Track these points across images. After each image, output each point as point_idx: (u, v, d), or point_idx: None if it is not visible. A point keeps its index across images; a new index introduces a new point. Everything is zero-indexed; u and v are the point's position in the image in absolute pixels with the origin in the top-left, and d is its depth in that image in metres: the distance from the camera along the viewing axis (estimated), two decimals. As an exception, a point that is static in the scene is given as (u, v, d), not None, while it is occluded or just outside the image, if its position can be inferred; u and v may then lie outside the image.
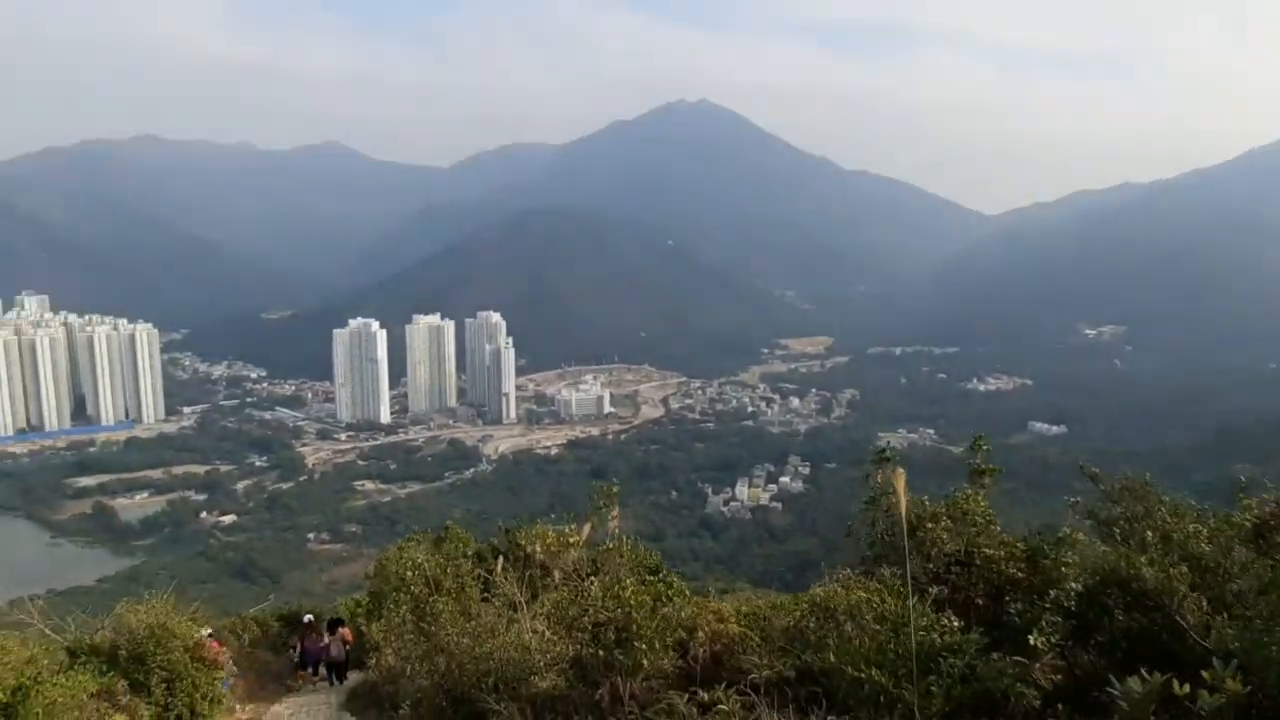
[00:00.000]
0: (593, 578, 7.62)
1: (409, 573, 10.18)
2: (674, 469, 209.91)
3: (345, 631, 22.71)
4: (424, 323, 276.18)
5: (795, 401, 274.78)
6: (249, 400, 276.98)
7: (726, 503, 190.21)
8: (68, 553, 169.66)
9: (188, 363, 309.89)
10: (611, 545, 8.17)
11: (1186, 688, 4.22)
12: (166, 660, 13.33)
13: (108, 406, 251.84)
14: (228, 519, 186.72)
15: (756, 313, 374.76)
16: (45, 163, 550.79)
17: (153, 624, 13.68)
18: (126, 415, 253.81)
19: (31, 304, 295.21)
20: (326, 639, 22.97)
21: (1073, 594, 6.28)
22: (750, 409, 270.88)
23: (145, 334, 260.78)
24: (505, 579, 9.64)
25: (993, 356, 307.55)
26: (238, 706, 18.04)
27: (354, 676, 22.45)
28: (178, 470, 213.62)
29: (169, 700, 13.18)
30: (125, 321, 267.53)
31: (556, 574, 9.55)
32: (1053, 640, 5.91)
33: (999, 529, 7.44)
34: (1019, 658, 5.49)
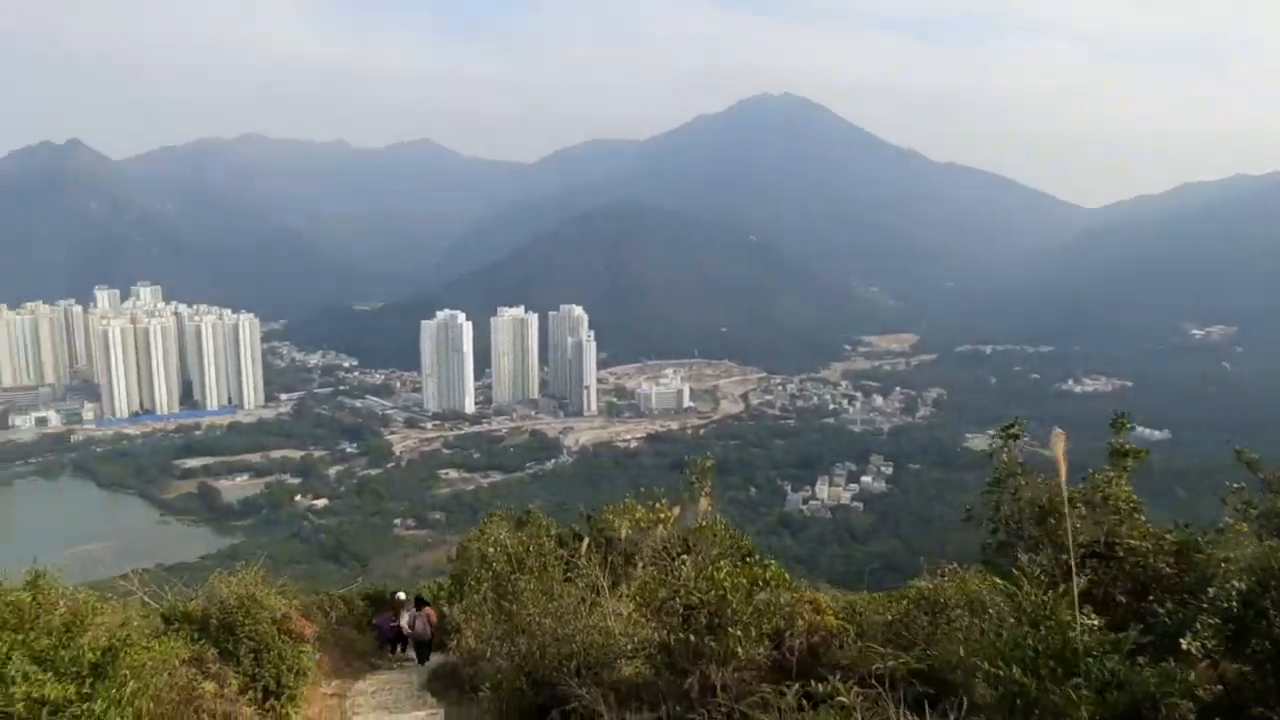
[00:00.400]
0: (684, 557, 7.13)
1: (491, 549, 9.92)
2: (753, 465, 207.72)
3: (430, 611, 22.96)
4: (508, 315, 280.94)
5: (878, 400, 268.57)
6: (341, 389, 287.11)
7: (806, 501, 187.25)
8: (174, 530, 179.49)
9: (285, 352, 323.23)
10: (704, 524, 7.65)
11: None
12: (255, 631, 13.50)
13: (212, 392, 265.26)
14: (320, 503, 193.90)
15: (839, 309, 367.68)
16: (159, 161, 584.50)
17: (242, 594, 13.91)
18: (229, 401, 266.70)
19: (145, 294, 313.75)
20: (407, 615, 23.29)
21: (1235, 594, 5.47)
22: (832, 406, 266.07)
23: (247, 324, 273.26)
24: (589, 560, 9.35)
25: (1090, 356, 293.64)
26: (323, 681, 18.30)
27: (436, 658, 22.66)
28: (275, 454, 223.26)
29: (256, 671, 13.33)
30: (229, 312, 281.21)
31: (641, 558, 9.12)
32: (1208, 646, 5.15)
33: (1144, 518, 6.60)
34: (1171, 664, 4.77)
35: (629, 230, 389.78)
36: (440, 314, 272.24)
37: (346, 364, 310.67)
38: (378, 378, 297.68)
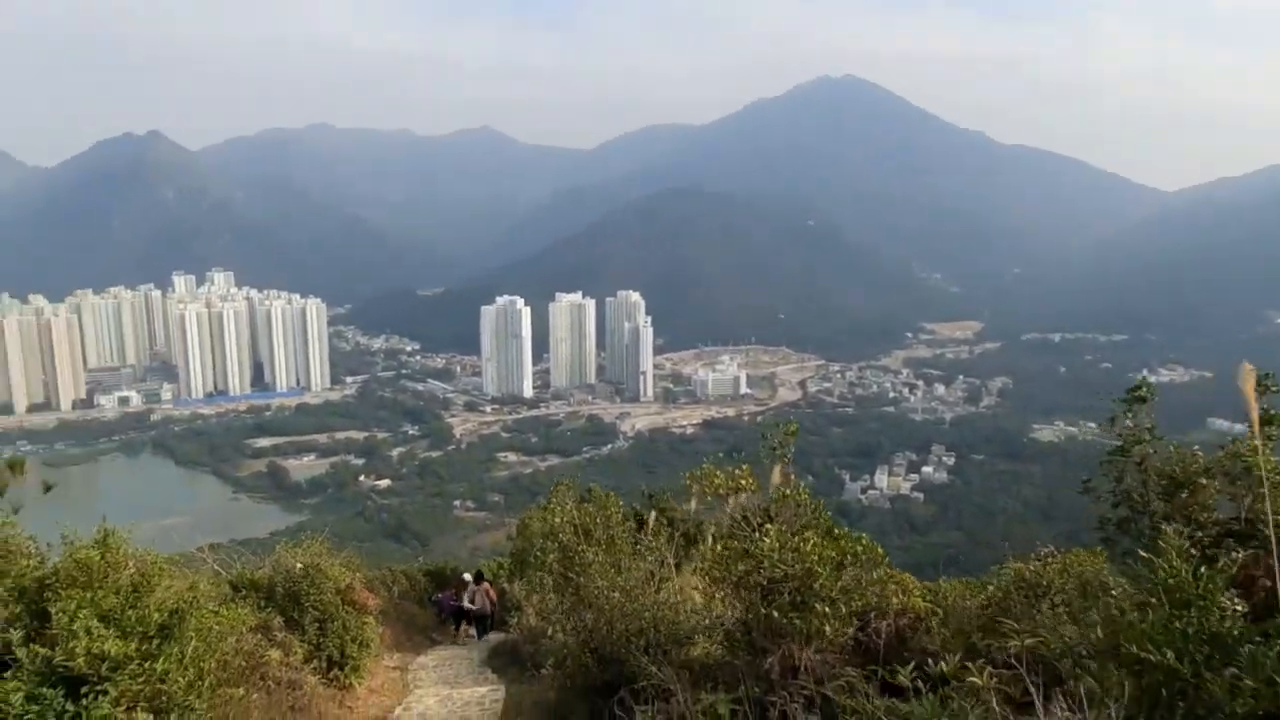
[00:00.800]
0: (768, 527, 6.70)
1: (557, 519, 9.68)
2: (810, 453, 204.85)
3: (488, 586, 23.09)
4: (566, 301, 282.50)
5: (941, 388, 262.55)
6: (404, 372, 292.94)
7: (864, 490, 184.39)
8: (246, 506, 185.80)
9: (350, 335, 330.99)
10: (788, 492, 7.19)
11: None
12: (319, 601, 13.57)
13: (281, 374, 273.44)
14: (383, 483, 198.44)
15: (900, 295, 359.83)
16: (231, 151, 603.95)
17: (307, 564, 13.99)
18: (297, 383, 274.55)
19: (219, 280, 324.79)
20: (471, 589, 23.47)
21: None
22: (892, 394, 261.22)
23: (314, 308, 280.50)
24: (657, 535, 9.00)
25: (1166, 346, 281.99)
26: (384, 654, 18.44)
27: (495, 636, 22.76)
28: (340, 435, 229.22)
29: (321, 640, 13.41)
30: (297, 296, 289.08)
31: (710, 535, 8.73)
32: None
33: (1289, 494, 5.89)
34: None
35: (687, 216, 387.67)
36: (499, 299, 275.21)
37: (409, 348, 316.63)
38: (439, 361, 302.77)
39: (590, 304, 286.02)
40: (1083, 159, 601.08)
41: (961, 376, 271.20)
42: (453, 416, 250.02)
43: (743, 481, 7.21)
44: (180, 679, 6.07)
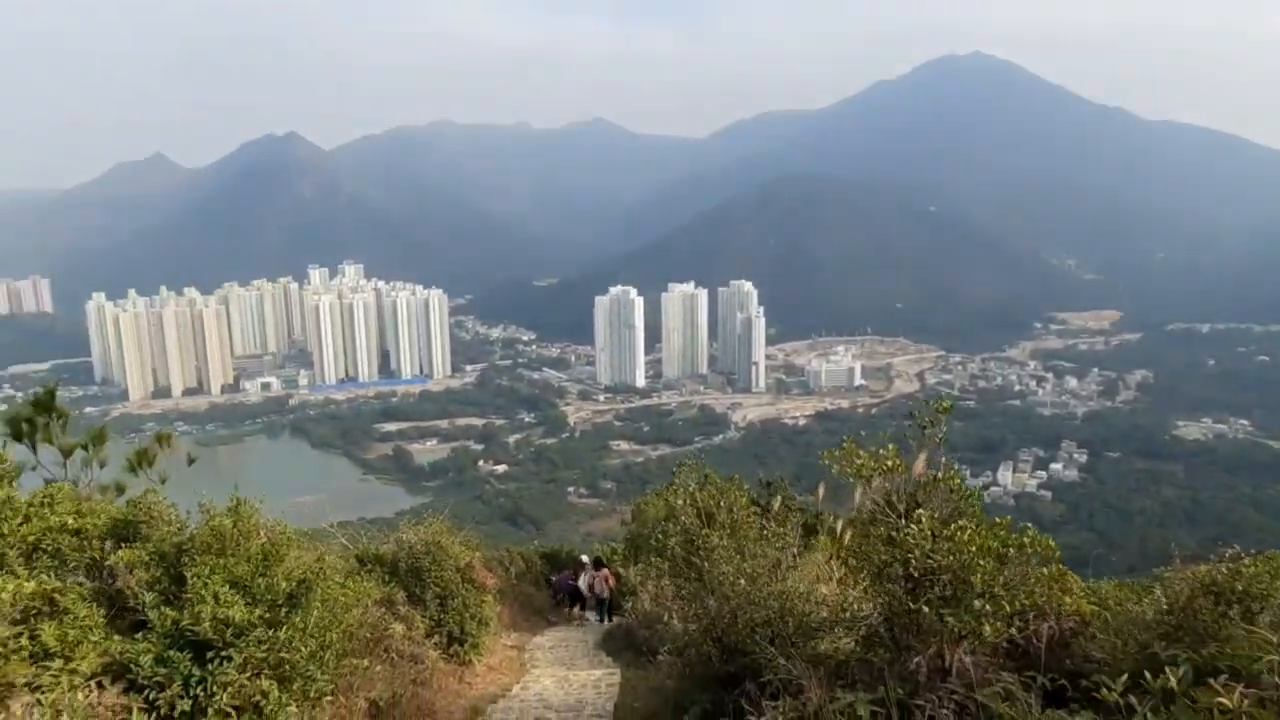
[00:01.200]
0: (919, 511, 6.11)
1: (680, 501, 9.34)
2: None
3: (607, 573, 23.17)
4: (678, 291, 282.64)
5: (1072, 381, 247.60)
6: (520, 361, 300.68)
7: (987, 487, 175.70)
8: (373, 488, 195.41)
9: (470, 325, 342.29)
10: (939, 475, 6.56)
11: None
12: (440, 577, 13.81)
13: (406, 362, 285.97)
14: (500, 468, 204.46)
15: (1029, 283, 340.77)
16: (362, 148, 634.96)
17: (429, 541, 14.25)
18: (421, 370, 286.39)
19: (350, 272, 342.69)
20: (586, 577, 23.62)
21: None
22: (1018, 387, 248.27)
23: (437, 299, 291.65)
24: (783, 521, 8.53)
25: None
26: (502, 633, 18.69)
27: (612, 620, 22.79)
28: (460, 422, 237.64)
29: (442, 616, 13.64)
30: (421, 288, 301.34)
31: (840, 522, 8.15)
32: None
33: None
34: None
35: (801, 203, 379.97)
36: (613, 290, 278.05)
37: (525, 337, 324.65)
38: (554, 351, 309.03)
39: (703, 294, 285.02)
40: (1239, 134, 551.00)
41: (1096, 369, 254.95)
42: (567, 405, 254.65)
43: (889, 462, 6.57)
44: (303, 648, 6.09)
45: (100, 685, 4.78)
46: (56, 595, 5.54)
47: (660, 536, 9.70)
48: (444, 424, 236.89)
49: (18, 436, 10.33)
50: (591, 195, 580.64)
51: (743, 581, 7.78)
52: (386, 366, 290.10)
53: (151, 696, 5.01)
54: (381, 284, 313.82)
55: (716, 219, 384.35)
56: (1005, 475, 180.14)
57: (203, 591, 5.93)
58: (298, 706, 5.46)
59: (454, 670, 13.20)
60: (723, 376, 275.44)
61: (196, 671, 5.20)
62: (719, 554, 8.24)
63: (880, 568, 6.09)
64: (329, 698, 6.47)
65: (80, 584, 7.62)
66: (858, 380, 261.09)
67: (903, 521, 6.05)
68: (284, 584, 6.85)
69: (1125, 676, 4.90)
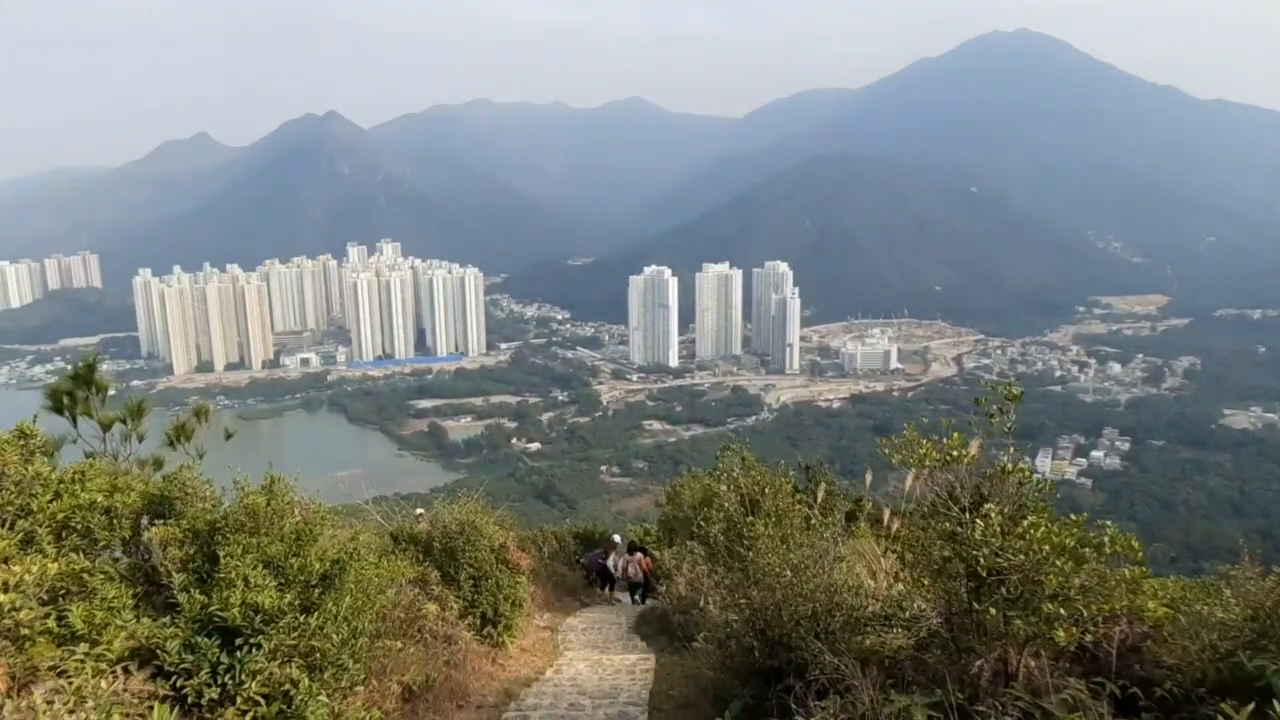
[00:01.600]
0: (988, 505, 5.74)
1: (723, 487, 9.04)
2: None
3: (642, 556, 23.06)
4: (713, 271, 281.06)
5: (1116, 367, 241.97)
6: (554, 339, 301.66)
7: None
8: (409, 463, 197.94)
9: (505, 303, 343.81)
10: (1009, 466, 6.18)
11: None
12: (474, 558, 13.71)
13: (442, 340, 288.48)
14: (534, 446, 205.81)
15: (1072, 266, 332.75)
16: (400, 128, 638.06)
17: (463, 521, 14.14)
18: (456, 348, 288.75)
19: (388, 250, 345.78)
20: (617, 559, 23.53)
21: None
22: (1059, 373, 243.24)
23: (473, 277, 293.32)
24: (830, 511, 8.22)
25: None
26: (535, 614, 18.63)
27: (647, 602, 22.67)
28: (495, 399, 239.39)
29: (475, 597, 13.55)
30: (457, 266, 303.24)
31: (888, 512, 7.79)
32: None
33: None
34: None
35: (838, 183, 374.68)
36: (647, 269, 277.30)
37: (559, 316, 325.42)
38: (587, 330, 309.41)
39: (737, 275, 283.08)
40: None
41: (1140, 355, 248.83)
42: (600, 384, 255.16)
43: (954, 452, 6.19)
44: (335, 635, 5.93)
45: (126, 670, 4.64)
46: (85, 575, 5.43)
47: (702, 524, 9.40)
48: (478, 401, 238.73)
49: (58, 409, 10.35)
50: (627, 175, 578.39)
51: (788, 573, 7.50)
52: (422, 344, 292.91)
53: (178, 684, 4.88)
54: (418, 262, 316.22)
55: (752, 199, 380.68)
56: (1044, 462, 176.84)
57: (233, 574, 5.78)
58: (328, 696, 5.30)
59: (487, 652, 13.11)
60: (756, 358, 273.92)
61: (225, 659, 5.06)
62: (763, 543, 7.96)
63: (940, 564, 5.76)
64: (360, 687, 6.32)
65: (116, 560, 7.58)
66: (893, 363, 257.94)
67: (967, 516, 5.70)
68: (317, 564, 6.71)
69: (1142, 679, 4.54)
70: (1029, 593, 5.27)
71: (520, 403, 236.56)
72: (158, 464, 10.38)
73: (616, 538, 25.72)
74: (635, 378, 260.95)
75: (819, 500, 8.74)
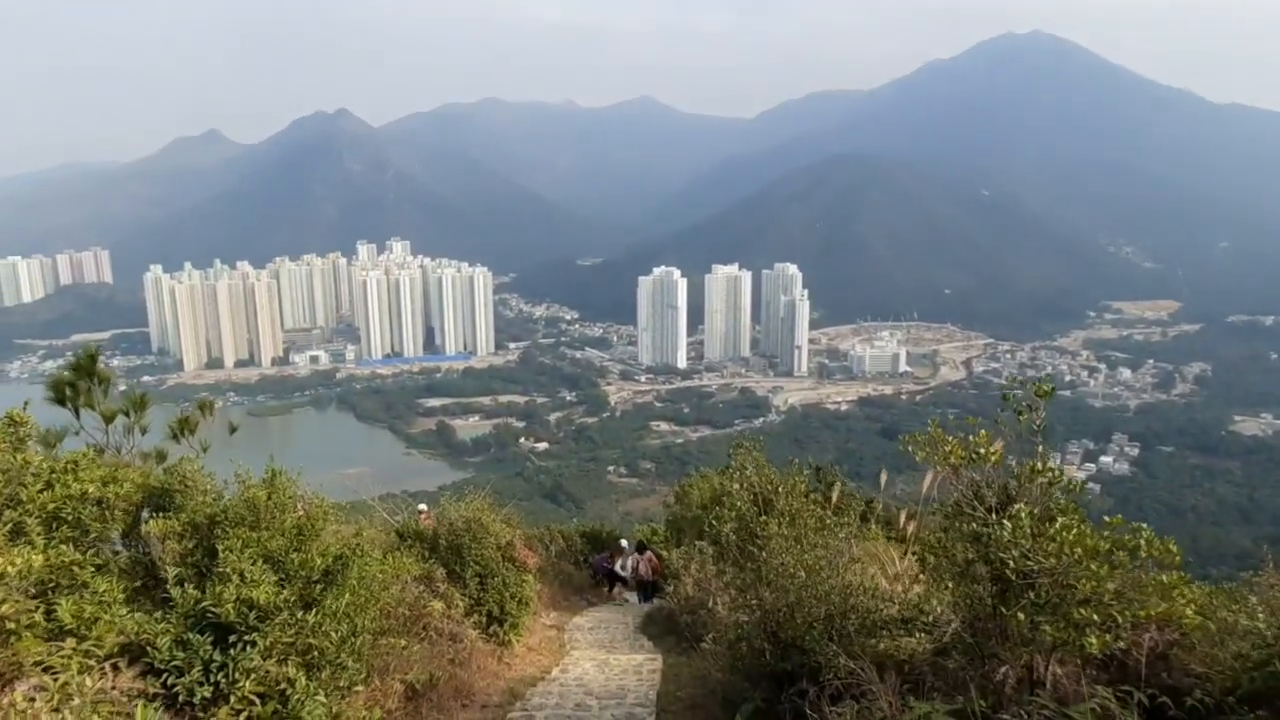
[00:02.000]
0: (1018, 506, 5.53)
1: (735, 485, 8.84)
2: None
3: (651, 556, 22.90)
4: (722, 273, 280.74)
5: (1126, 373, 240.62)
6: (563, 339, 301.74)
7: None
8: (416, 461, 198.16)
9: (514, 303, 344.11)
10: (1036, 466, 5.97)
11: None
12: (480, 556, 13.55)
13: (450, 339, 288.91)
14: (541, 446, 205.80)
15: (1083, 270, 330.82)
16: (411, 125, 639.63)
17: (470, 518, 13.97)
18: (464, 347, 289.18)
19: (397, 248, 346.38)
20: (625, 559, 23.37)
21: None
22: (1069, 378, 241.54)
23: (482, 276, 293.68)
24: (844, 511, 8.01)
25: None
26: (542, 613, 18.47)
27: (654, 603, 22.49)
28: (503, 398, 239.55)
29: (481, 595, 13.38)
30: (466, 265, 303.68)
31: (904, 513, 7.60)
32: None
33: None
34: None
35: (848, 185, 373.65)
36: (656, 270, 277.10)
37: (568, 316, 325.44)
38: (596, 330, 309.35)
39: (746, 276, 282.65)
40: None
41: (1151, 360, 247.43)
42: (608, 384, 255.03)
43: (982, 449, 5.98)
44: (334, 633, 5.75)
45: (115, 667, 4.47)
46: (75, 568, 5.26)
47: (714, 522, 9.19)
48: (486, 401, 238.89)
49: (60, 400, 10.23)
50: (638, 175, 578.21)
51: (802, 573, 7.29)
52: (431, 342, 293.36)
53: (169, 681, 4.70)
54: (427, 261, 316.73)
55: (763, 200, 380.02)
56: (1041, 478, 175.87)
57: (229, 569, 5.61)
58: (327, 696, 5.12)
59: (492, 650, 12.94)
60: (765, 359, 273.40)
61: (218, 656, 4.88)
62: (776, 543, 7.75)
63: (964, 566, 5.54)
64: (360, 687, 6.14)
65: (116, 553, 7.43)
66: (902, 367, 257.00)
67: (993, 516, 5.49)
68: (319, 560, 6.55)
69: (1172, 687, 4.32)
70: (1059, 597, 5.06)
71: (528, 402, 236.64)
72: (160, 457, 10.25)
73: (624, 542, 25.58)
74: (643, 378, 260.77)
75: (833, 500, 8.55)
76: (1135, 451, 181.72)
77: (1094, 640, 4.88)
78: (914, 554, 6.99)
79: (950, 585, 5.90)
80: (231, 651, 4.93)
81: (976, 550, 5.42)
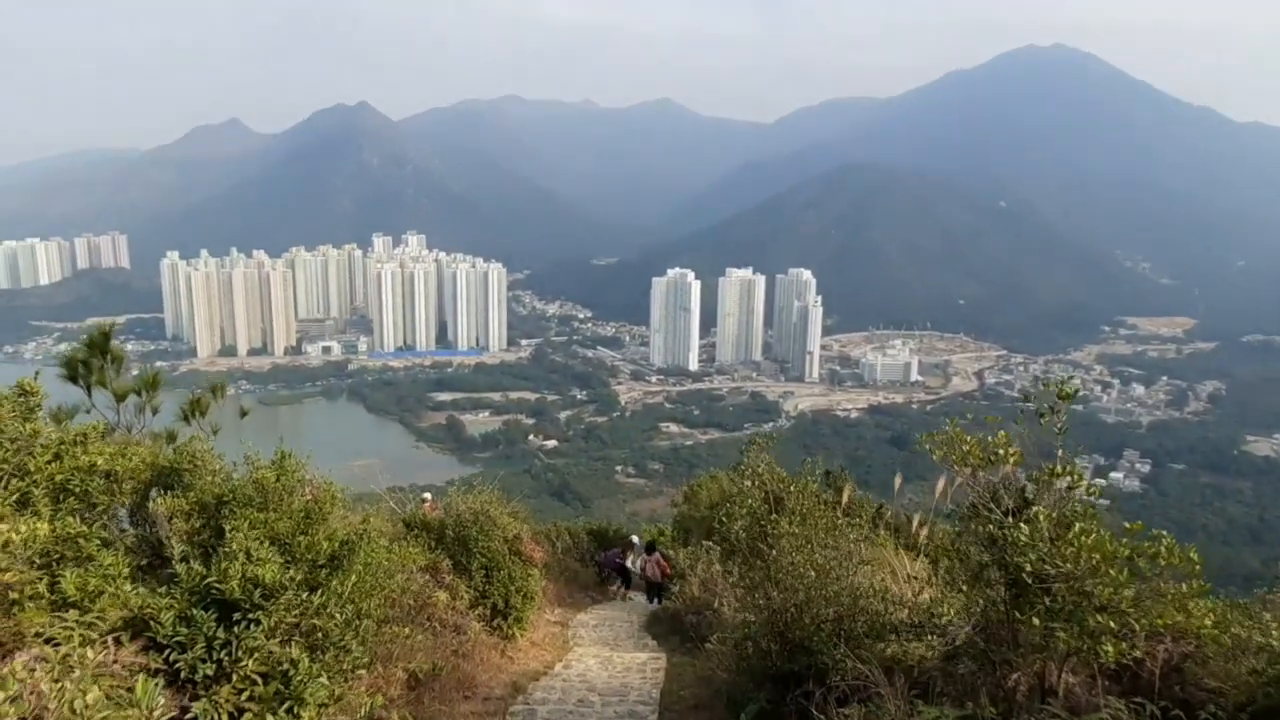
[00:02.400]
0: (1036, 509, 5.44)
1: (748, 482, 8.76)
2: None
3: (659, 556, 22.87)
4: (736, 276, 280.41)
5: (1139, 389, 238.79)
6: (575, 338, 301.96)
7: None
8: (426, 455, 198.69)
9: (527, 300, 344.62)
10: (1058, 469, 5.88)
11: None
12: (487, 548, 13.52)
13: (463, 334, 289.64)
14: (550, 443, 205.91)
15: (1099, 285, 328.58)
16: (430, 121, 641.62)
17: (478, 510, 13.95)
18: (477, 342, 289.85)
19: (413, 242, 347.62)
20: (635, 558, 23.34)
21: None
22: (1081, 392, 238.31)
23: (496, 273, 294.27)
24: (856, 512, 7.93)
25: None
26: (547, 608, 18.43)
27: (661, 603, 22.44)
28: (513, 395, 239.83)
29: (486, 588, 13.35)
30: (480, 260, 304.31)
31: (915, 520, 7.50)
32: None
33: None
34: None
35: (865, 192, 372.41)
36: (670, 272, 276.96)
37: (581, 315, 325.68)
38: (609, 329, 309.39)
39: (760, 280, 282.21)
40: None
41: (1165, 377, 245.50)
42: (619, 384, 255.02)
43: (1000, 450, 5.89)
44: (338, 615, 5.72)
45: (118, 641, 4.44)
46: (81, 540, 5.24)
47: (724, 519, 9.12)
48: (497, 396, 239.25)
49: (73, 378, 10.26)
50: (654, 176, 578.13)
51: (812, 573, 7.20)
52: (444, 337, 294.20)
53: (171, 657, 4.66)
54: (442, 255, 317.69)
55: (778, 205, 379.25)
56: (1061, 481, 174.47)
57: (235, 547, 5.58)
58: (329, 678, 5.08)
59: (496, 643, 12.90)
60: (776, 364, 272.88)
61: (221, 633, 4.84)
62: (787, 542, 7.66)
63: (978, 569, 5.45)
64: (363, 672, 6.10)
65: (124, 530, 7.43)
66: (914, 375, 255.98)
67: (1010, 520, 5.40)
68: (325, 544, 6.52)
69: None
70: (1075, 603, 4.97)
71: (539, 400, 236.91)
72: (171, 437, 10.26)
73: (635, 539, 25.56)
74: (654, 379, 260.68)
75: (844, 502, 8.47)
76: (1146, 468, 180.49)
77: (1110, 648, 4.78)
78: (925, 559, 6.89)
79: (964, 589, 5.82)
80: (236, 629, 4.90)
81: (992, 553, 5.34)
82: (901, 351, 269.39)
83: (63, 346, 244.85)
